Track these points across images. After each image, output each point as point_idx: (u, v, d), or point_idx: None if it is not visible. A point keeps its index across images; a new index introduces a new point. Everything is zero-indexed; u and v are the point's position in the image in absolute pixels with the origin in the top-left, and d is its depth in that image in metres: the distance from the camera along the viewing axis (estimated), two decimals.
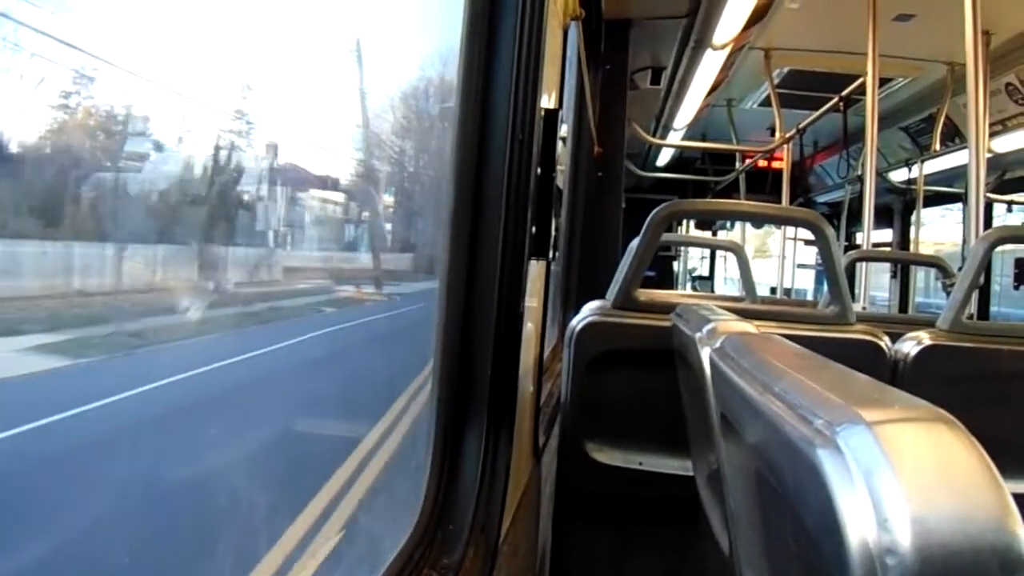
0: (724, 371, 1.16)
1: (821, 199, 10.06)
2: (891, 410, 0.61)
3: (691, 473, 2.15)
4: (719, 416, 1.28)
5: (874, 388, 0.73)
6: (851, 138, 6.55)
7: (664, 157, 9.91)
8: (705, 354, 1.38)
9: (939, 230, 8.53)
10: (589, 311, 2.44)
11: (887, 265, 7.91)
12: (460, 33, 1.41)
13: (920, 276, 8.05)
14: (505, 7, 1.41)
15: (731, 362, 1.14)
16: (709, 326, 1.46)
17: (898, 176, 7.57)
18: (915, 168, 7.06)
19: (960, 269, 2.87)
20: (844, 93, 6.08)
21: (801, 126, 6.92)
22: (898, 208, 8.39)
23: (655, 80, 5.71)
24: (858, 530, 0.54)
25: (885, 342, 2.37)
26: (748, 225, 10.31)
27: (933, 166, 6.84)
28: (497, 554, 1.44)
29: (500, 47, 1.41)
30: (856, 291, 4.82)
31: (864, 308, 4.70)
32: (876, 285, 7.47)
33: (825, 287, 2.51)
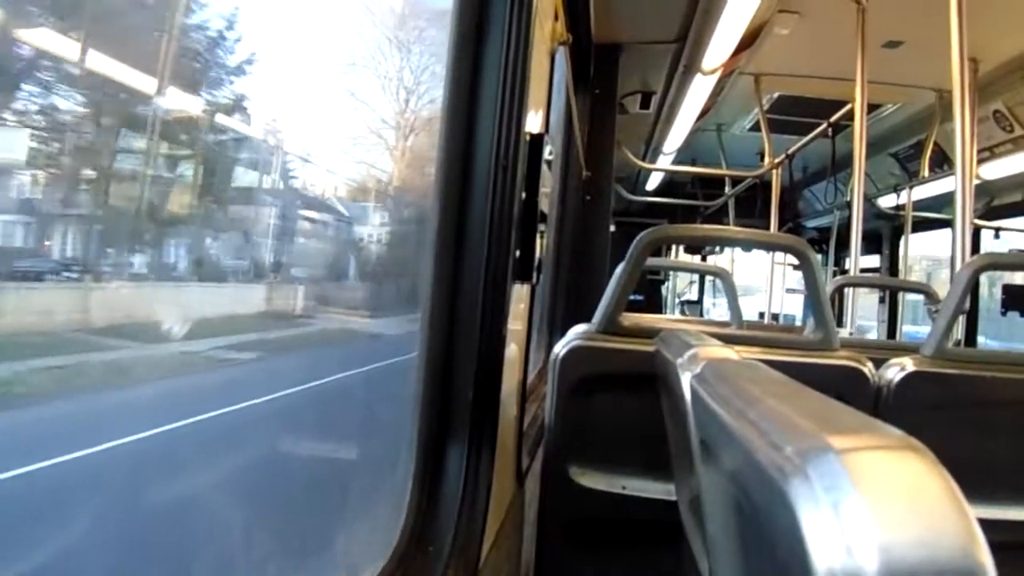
0: (703, 398, 1.15)
1: (810, 224, 10.08)
2: (861, 438, 0.61)
3: (674, 498, 2.15)
4: (699, 442, 1.28)
5: (847, 416, 0.73)
6: (840, 164, 6.57)
7: (654, 181, 9.92)
8: (686, 380, 1.37)
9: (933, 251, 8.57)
10: (574, 335, 2.44)
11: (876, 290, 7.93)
12: (446, 60, 1.42)
13: (911, 300, 8.06)
14: (491, 34, 1.42)
15: (710, 389, 1.13)
16: (690, 352, 1.45)
17: (887, 202, 7.59)
18: (904, 194, 7.07)
19: None
20: (833, 119, 6.11)
21: (790, 151, 6.94)
22: (887, 233, 8.42)
23: (645, 104, 5.73)
24: (825, 558, 0.54)
25: (868, 368, 2.37)
26: (738, 248, 10.33)
27: (922, 192, 6.85)
28: None
29: (485, 73, 1.43)
30: (844, 316, 4.83)
31: (851, 333, 4.70)
32: (866, 309, 7.49)
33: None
